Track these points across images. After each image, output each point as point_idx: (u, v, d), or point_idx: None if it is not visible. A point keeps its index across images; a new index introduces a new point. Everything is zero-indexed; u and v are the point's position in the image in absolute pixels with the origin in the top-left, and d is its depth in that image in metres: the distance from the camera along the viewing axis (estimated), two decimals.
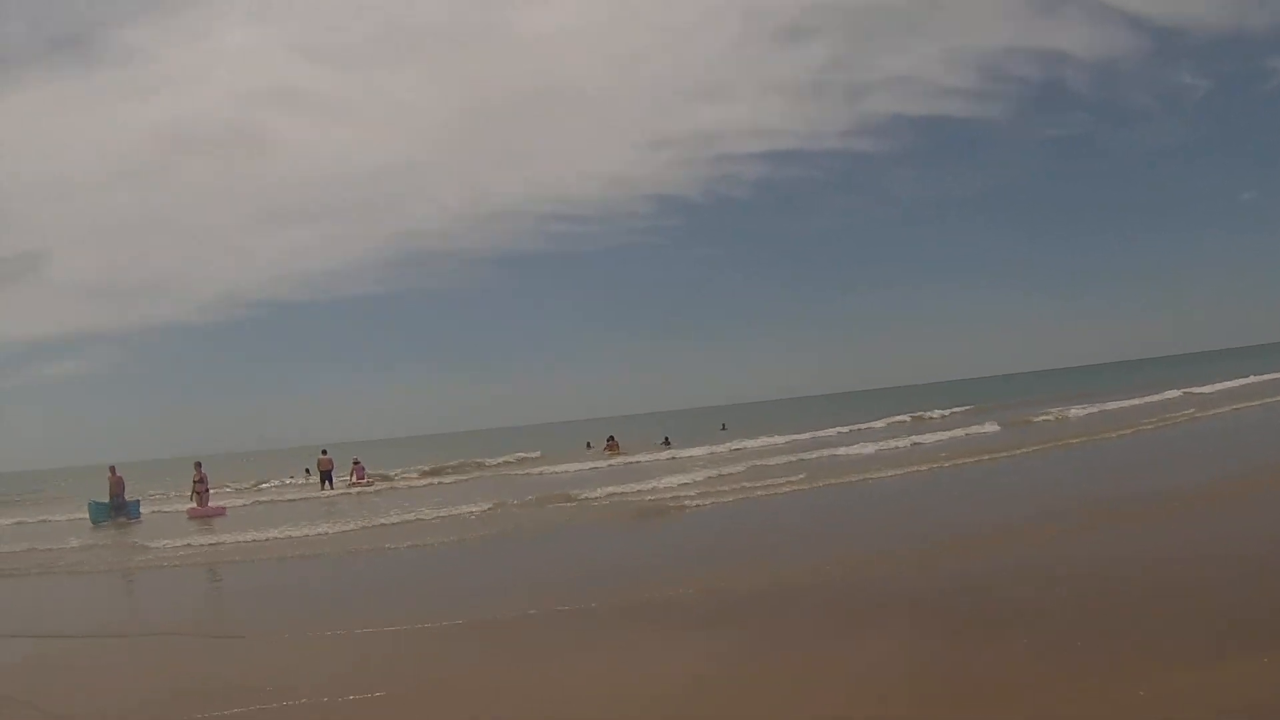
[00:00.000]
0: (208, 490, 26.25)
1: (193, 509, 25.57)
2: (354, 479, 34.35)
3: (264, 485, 39.84)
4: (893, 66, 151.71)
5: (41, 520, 28.15)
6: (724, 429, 60.91)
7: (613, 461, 35.67)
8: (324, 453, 35.20)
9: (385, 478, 36.83)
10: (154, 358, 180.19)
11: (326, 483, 33.94)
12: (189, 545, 17.35)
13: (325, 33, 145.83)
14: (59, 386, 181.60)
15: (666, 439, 47.09)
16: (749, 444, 35.29)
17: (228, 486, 37.18)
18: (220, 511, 25.59)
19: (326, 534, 17.09)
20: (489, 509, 18.62)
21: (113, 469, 26.28)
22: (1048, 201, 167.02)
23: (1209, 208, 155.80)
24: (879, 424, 41.10)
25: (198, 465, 26.39)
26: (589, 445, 48.75)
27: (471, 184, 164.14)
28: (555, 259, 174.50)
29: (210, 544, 17.49)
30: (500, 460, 42.51)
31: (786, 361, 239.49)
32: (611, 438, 44.56)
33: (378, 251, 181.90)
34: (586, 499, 19.24)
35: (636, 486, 20.46)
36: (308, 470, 39.40)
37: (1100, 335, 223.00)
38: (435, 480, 35.33)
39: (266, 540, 16.94)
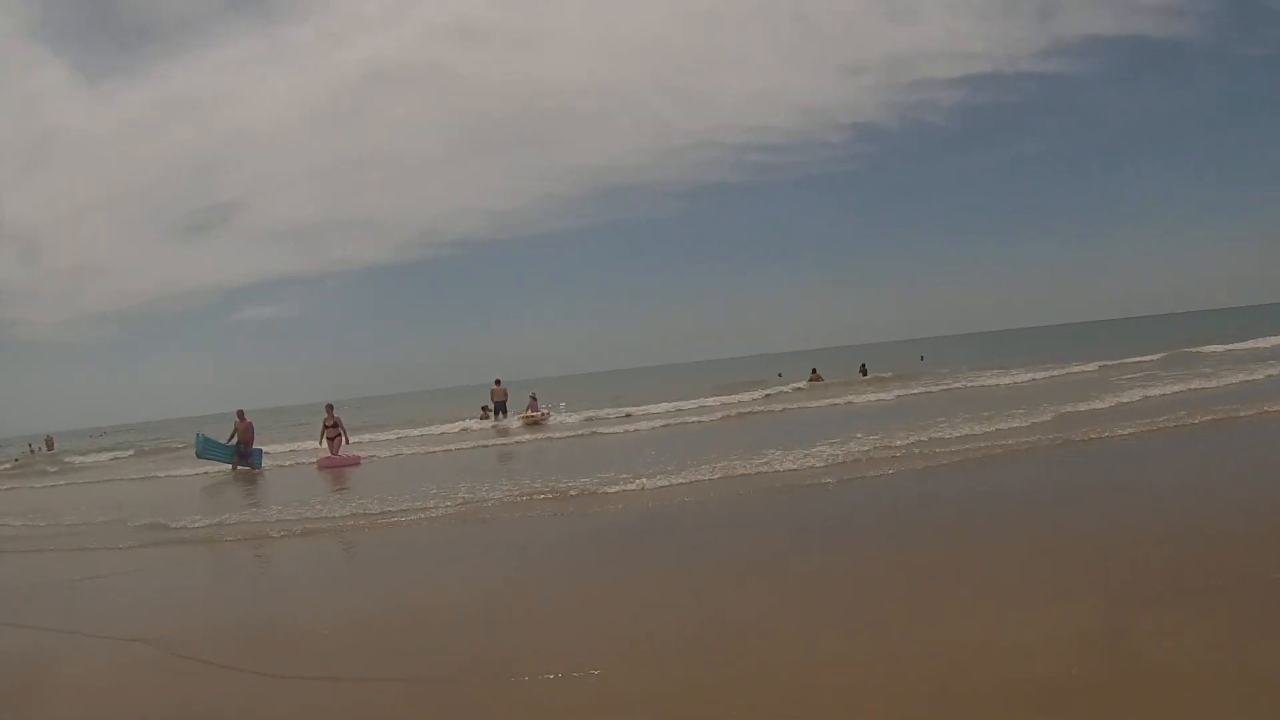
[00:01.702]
0: (341, 436, 20.56)
1: (324, 459, 20.00)
2: (529, 411, 30.82)
3: (429, 429, 31.49)
4: None
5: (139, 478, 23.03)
6: (922, 360, 53.86)
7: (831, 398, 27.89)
8: (497, 382, 32.01)
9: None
10: (349, 299, 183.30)
11: (500, 413, 30.98)
12: (220, 523, 11.08)
13: None
14: (256, 330, 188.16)
15: (864, 368, 42.54)
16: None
17: (388, 432, 30.89)
18: (354, 461, 19.80)
19: (426, 512, 10.31)
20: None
21: (240, 414, 21.08)
22: (1251, 121, 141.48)
23: None
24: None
25: (329, 408, 20.91)
26: (780, 376, 44.91)
27: (663, 115, 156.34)
28: (750, 190, 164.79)
29: (241, 521, 11.07)
30: (741, 397, 31.26)
31: (981, 293, 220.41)
32: (815, 370, 40.97)
33: (571, 186, 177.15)
34: None
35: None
36: (485, 408, 34.22)
37: None
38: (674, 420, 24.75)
39: (337, 518, 10.45)
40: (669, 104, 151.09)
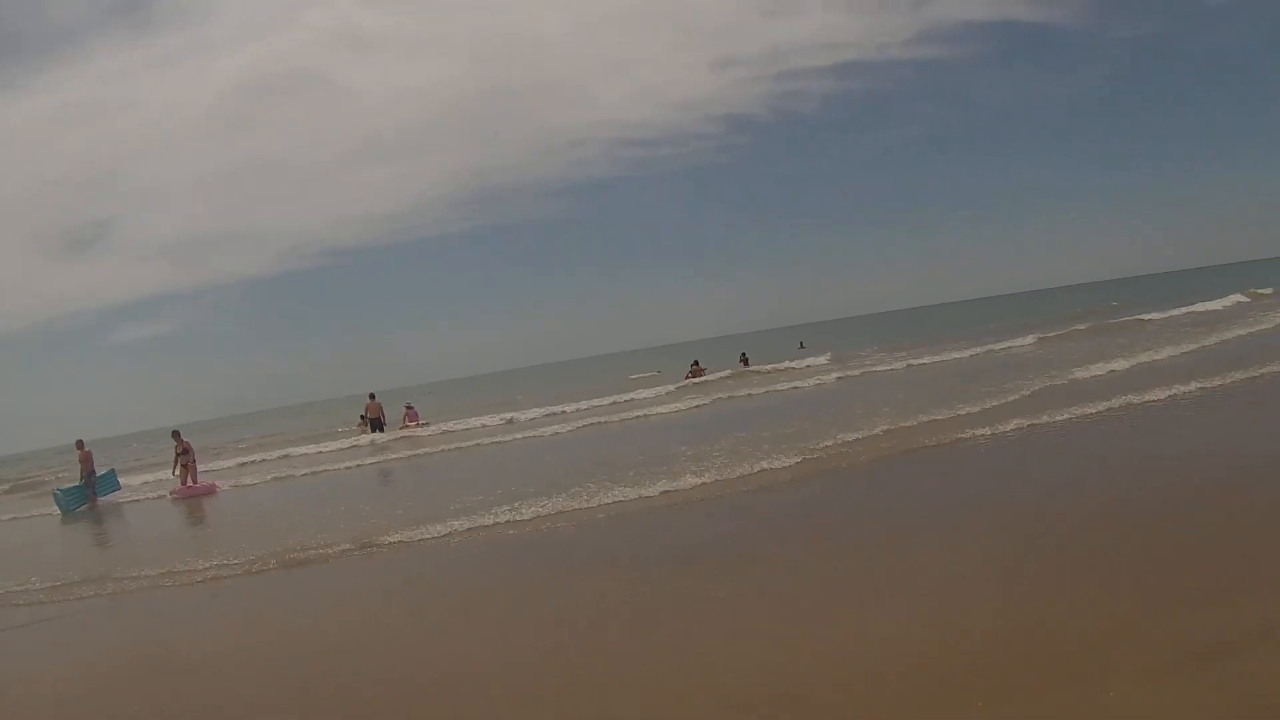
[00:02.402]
0: (194, 463, 18.74)
1: (178, 489, 18.21)
2: (405, 422, 29.49)
3: (302, 449, 28.30)
4: None
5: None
6: (802, 347, 54.01)
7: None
8: (372, 397, 29.91)
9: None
10: (230, 313, 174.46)
11: (377, 429, 28.77)
12: None
13: None
14: (137, 349, 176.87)
15: (745, 357, 40.06)
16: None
17: (259, 454, 28.13)
18: (210, 489, 18.17)
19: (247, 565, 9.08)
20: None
21: (79, 443, 19.01)
22: (1121, 105, 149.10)
23: None
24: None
25: (176, 435, 19.02)
26: (659, 372, 42.20)
27: (541, 114, 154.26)
28: (627, 184, 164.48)
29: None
30: (619, 397, 28.72)
31: (858, 278, 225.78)
32: (696, 362, 38.46)
33: (449, 189, 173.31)
34: None
35: None
36: (362, 417, 32.40)
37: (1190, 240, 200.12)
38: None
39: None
40: (547, 102, 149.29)
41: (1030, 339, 26.92)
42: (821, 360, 33.37)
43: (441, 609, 6.58)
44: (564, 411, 25.99)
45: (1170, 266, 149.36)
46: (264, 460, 25.31)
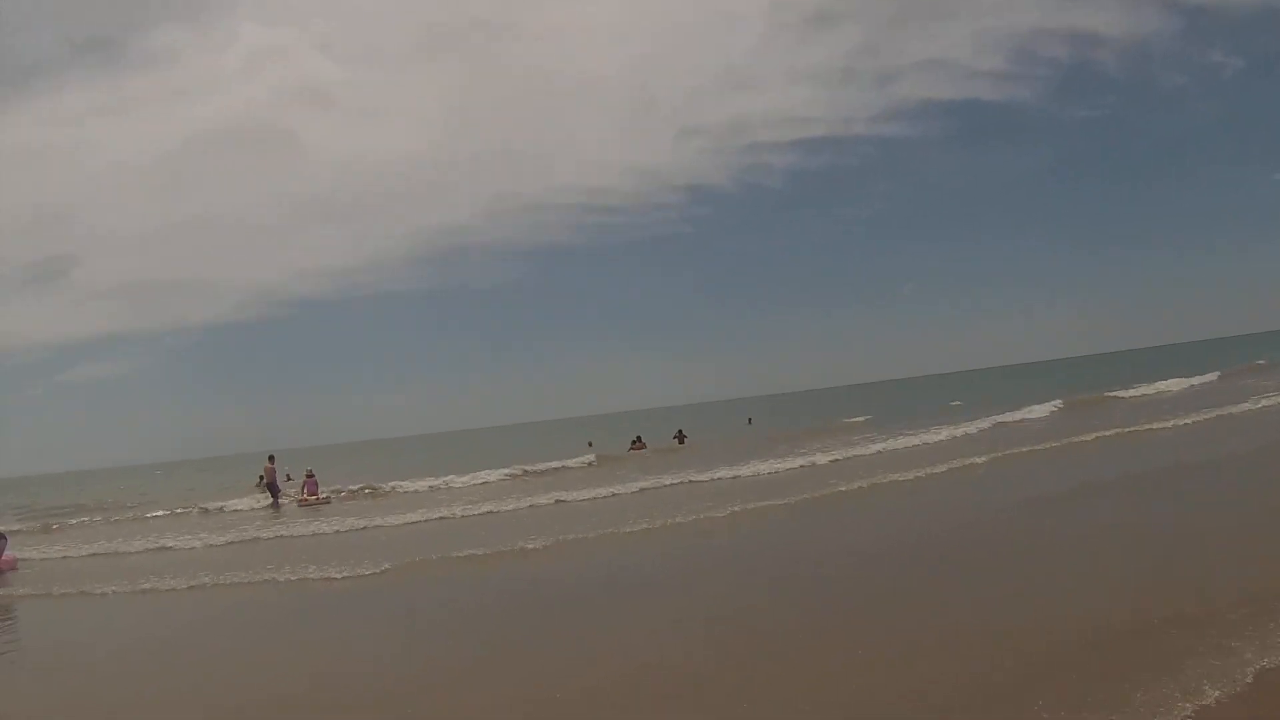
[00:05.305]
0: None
1: None
2: (305, 494, 26.34)
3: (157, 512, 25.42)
4: (922, 50, 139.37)
5: None
6: (750, 423, 52.34)
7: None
8: (270, 459, 27.46)
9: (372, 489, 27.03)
10: (185, 358, 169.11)
11: (273, 494, 26.64)
12: None
13: (350, 32, 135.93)
14: (89, 389, 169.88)
15: (680, 434, 38.09)
16: None
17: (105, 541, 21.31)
18: (10, 564, 15.03)
19: None
20: None
21: None
22: (1079, 183, 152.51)
23: (1239, 189, 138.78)
24: None
25: None
26: (590, 445, 40.26)
27: (501, 177, 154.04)
28: (586, 251, 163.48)
29: None
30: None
31: (814, 354, 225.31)
32: (639, 438, 36.36)
33: (408, 247, 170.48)
34: None
35: None
36: (260, 478, 29.29)
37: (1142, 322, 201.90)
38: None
39: None
40: (509, 168, 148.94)
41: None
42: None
43: None
44: (499, 509, 19.06)
45: (1120, 346, 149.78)
46: (114, 552, 18.36)
